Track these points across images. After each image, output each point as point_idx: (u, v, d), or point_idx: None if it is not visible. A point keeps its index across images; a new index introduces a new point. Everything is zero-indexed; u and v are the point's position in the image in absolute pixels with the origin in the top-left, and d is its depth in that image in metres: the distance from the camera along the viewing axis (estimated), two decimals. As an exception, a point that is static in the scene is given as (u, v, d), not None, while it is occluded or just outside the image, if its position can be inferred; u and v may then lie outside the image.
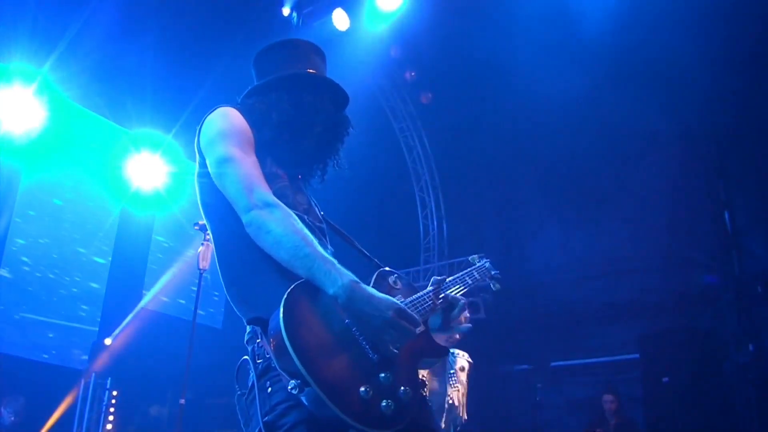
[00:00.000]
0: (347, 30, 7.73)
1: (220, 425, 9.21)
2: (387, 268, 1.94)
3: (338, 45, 7.80)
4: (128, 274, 8.94)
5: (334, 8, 7.64)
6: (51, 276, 8.15)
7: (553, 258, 8.69)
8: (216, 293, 10.07)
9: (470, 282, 2.15)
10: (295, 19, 7.50)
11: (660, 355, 6.79)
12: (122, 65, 7.94)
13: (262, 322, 1.66)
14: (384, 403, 1.53)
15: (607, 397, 7.00)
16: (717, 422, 6.10)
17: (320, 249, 1.67)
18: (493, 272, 2.27)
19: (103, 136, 8.78)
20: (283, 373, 1.53)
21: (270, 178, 1.84)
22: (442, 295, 1.95)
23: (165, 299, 9.31)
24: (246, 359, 1.72)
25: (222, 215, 1.84)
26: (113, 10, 7.33)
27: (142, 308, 8.89)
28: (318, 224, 1.96)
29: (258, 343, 1.68)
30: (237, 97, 2.08)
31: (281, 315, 1.53)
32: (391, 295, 1.76)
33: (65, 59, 7.26)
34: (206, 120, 1.93)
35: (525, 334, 8.60)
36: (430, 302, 1.89)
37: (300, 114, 1.97)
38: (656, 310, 7.73)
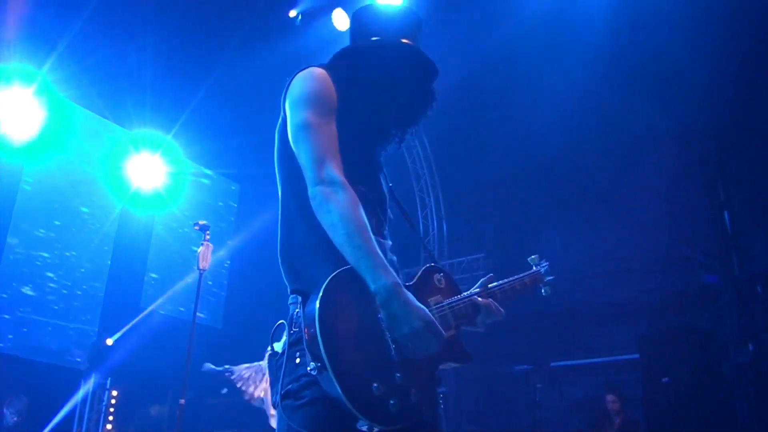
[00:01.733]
0: (347, 30, 7.73)
1: (220, 425, 9.21)
2: (434, 264, 1.98)
3: (338, 45, 7.79)
4: (128, 274, 8.94)
5: (334, 8, 7.63)
6: (51, 276, 8.14)
7: (553, 258, 8.68)
8: (215, 289, 10.07)
9: (519, 288, 2.21)
10: (299, 20, 7.49)
11: (660, 355, 6.79)
12: (122, 66, 7.94)
13: (303, 294, 1.70)
14: (392, 402, 1.57)
15: (610, 397, 7.00)
16: (717, 422, 6.10)
17: (373, 242, 1.68)
18: (547, 278, 2.35)
19: (103, 137, 8.78)
20: (308, 353, 1.58)
21: (347, 147, 1.84)
22: (482, 300, 1.98)
23: (165, 298, 9.31)
24: (283, 323, 1.77)
25: (293, 175, 1.86)
26: (113, 11, 7.33)
27: (141, 309, 8.89)
28: (381, 205, 1.96)
29: (297, 312, 1.72)
30: (330, 54, 2.06)
31: (318, 303, 1.57)
32: (433, 294, 1.84)
33: (65, 60, 7.26)
34: (296, 78, 1.93)
35: (525, 334, 8.59)
36: (464, 305, 1.93)
37: (389, 81, 1.98)
38: (656, 310, 7.73)
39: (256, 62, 7.89)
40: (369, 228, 1.70)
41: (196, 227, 5.22)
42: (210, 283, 9.66)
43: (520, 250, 9.12)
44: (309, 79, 1.91)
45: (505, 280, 2.17)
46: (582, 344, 8.39)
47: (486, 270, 8.89)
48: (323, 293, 1.59)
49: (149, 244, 9.34)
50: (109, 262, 8.79)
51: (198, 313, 5.13)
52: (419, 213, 10.80)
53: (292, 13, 7.42)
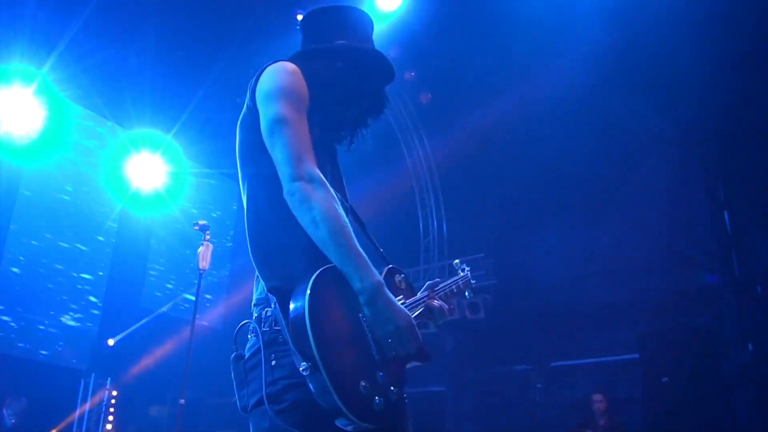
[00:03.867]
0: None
1: (220, 425, 9.21)
2: (393, 266, 1.98)
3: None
4: (128, 274, 8.94)
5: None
6: (51, 276, 8.15)
7: (552, 258, 8.69)
8: (210, 294, 10.07)
9: (455, 291, 2.23)
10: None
11: (660, 355, 6.79)
12: (122, 66, 7.95)
13: (280, 293, 1.67)
14: (376, 399, 1.58)
15: (596, 397, 6.99)
16: (717, 422, 6.10)
17: (356, 241, 1.68)
18: (473, 282, 2.35)
19: (103, 137, 8.79)
20: (296, 353, 1.55)
21: (316, 145, 1.83)
22: (437, 302, 2.04)
23: (165, 298, 9.31)
24: (247, 324, 1.75)
25: (263, 169, 1.83)
26: (113, 11, 7.33)
27: (141, 309, 8.89)
28: (346, 203, 1.98)
29: (266, 311, 1.70)
30: (292, 51, 2.07)
31: (307, 302, 1.55)
32: (396, 295, 1.82)
33: (65, 60, 7.26)
34: (270, 69, 1.91)
35: (525, 334, 8.59)
36: (422, 307, 1.96)
37: (356, 85, 1.99)
38: (656, 310, 7.73)
39: (256, 62, 7.86)
40: (350, 227, 1.69)
41: (196, 227, 5.22)
42: (210, 282, 9.66)
43: (520, 250, 9.13)
44: (283, 73, 1.89)
45: (447, 282, 2.21)
46: (582, 344, 8.39)
47: (486, 270, 8.90)
48: (310, 294, 1.57)
49: (149, 244, 9.34)
50: (110, 262, 8.79)
51: (198, 312, 5.14)
52: (419, 213, 10.80)
53: (300, 18, 7.42)
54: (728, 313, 7.01)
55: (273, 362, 1.64)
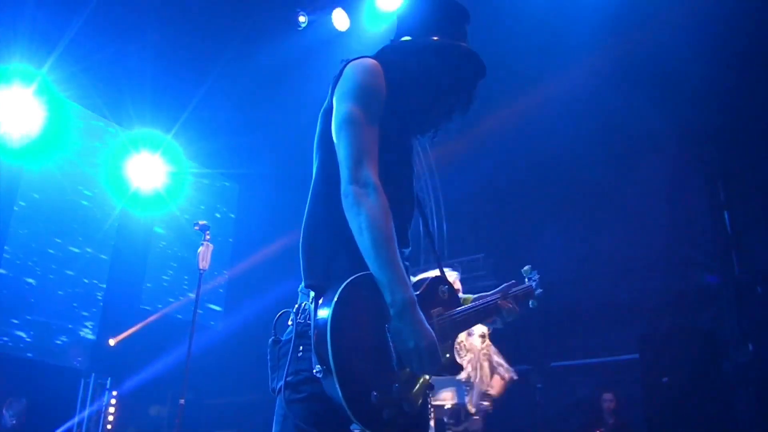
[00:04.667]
0: (347, 30, 7.73)
1: (220, 425, 9.21)
2: (441, 276, 2.00)
3: (338, 45, 7.79)
4: (128, 274, 8.94)
5: (333, 8, 7.63)
6: (51, 276, 8.14)
7: (552, 258, 8.68)
8: (210, 294, 10.06)
9: (520, 297, 2.36)
10: (305, 24, 7.49)
11: (660, 355, 6.78)
12: (122, 66, 7.95)
13: (317, 290, 1.70)
14: (386, 411, 1.59)
15: (607, 396, 7.02)
16: (717, 422, 6.10)
17: (397, 254, 1.68)
18: (537, 292, 2.46)
19: (103, 137, 8.78)
20: (314, 354, 1.59)
21: (385, 144, 1.83)
22: (508, 303, 2.24)
23: (165, 298, 9.31)
24: (287, 312, 1.79)
25: (327, 163, 1.85)
26: (113, 11, 7.33)
27: (141, 309, 8.89)
28: (407, 206, 1.98)
29: (305, 305, 1.73)
30: (388, 40, 2.03)
31: (331, 312, 1.58)
32: (435, 306, 1.89)
33: (65, 60, 7.26)
34: (350, 67, 1.90)
35: (525, 334, 8.58)
36: (464, 318, 2.01)
37: (444, 83, 1.98)
38: (656, 310, 7.72)
39: (256, 62, 7.89)
40: (395, 238, 1.69)
41: (196, 227, 5.23)
42: (209, 282, 9.66)
43: (520, 250, 9.12)
44: (363, 71, 1.87)
45: (517, 288, 2.35)
46: (582, 344, 8.38)
47: (486, 270, 8.90)
48: (337, 301, 1.59)
49: (149, 244, 9.34)
50: (109, 262, 8.79)
51: (198, 312, 5.13)
52: (419, 213, 10.78)
53: (302, 19, 7.42)
54: (728, 313, 7.01)
55: (300, 353, 1.68)
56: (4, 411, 6.91)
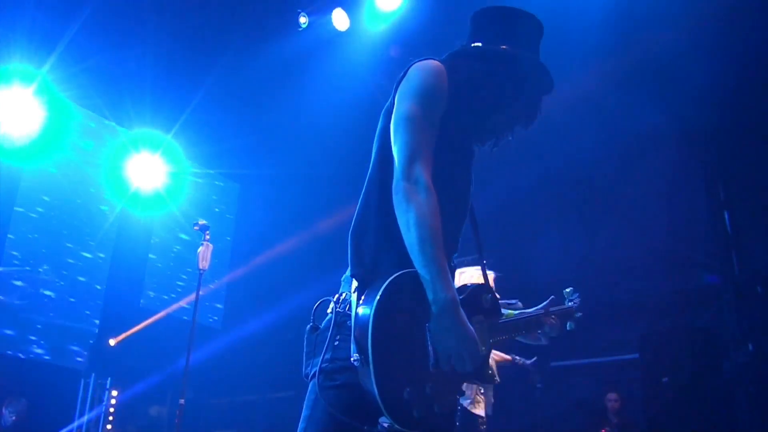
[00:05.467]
0: (347, 30, 7.73)
1: (220, 425, 9.21)
2: (485, 284, 2.02)
3: (338, 45, 7.79)
4: (128, 274, 8.94)
5: (333, 8, 7.63)
6: (50, 276, 8.14)
7: (552, 258, 8.69)
8: (211, 294, 10.06)
9: (560, 315, 2.45)
10: (305, 24, 7.49)
11: (660, 355, 6.79)
12: (122, 66, 7.94)
13: (361, 281, 1.72)
14: (417, 409, 1.61)
15: (611, 396, 7.02)
16: (717, 422, 6.10)
17: (442, 252, 1.69)
18: (577, 315, 2.56)
19: (103, 137, 8.78)
20: (354, 342, 1.61)
21: (448, 146, 1.86)
22: (551, 319, 2.36)
23: (165, 298, 9.31)
24: (327, 301, 1.81)
25: (384, 160, 1.87)
26: (113, 11, 7.32)
27: (141, 309, 8.89)
28: (462, 211, 2.05)
29: (346, 296, 1.76)
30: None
31: (375, 305, 1.60)
32: (477, 313, 1.88)
33: (65, 60, 7.26)
34: (415, 67, 1.92)
35: (525, 334, 8.57)
36: (505, 328, 2.08)
37: (510, 94, 2.00)
38: (656, 310, 7.73)
39: (257, 62, 7.89)
40: (441, 238, 1.70)
41: (196, 227, 5.23)
42: (210, 283, 9.66)
43: (520, 250, 9.12)
44: (428, 73, 1.89)
45: (558, 307, 2.43)
46: (582, 344, 8.38)
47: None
48: (381, 295, 1.61)
49: (149, 244, 9.34)
50: (109, 262, 8.79)
51: (198, 312, 5.13)
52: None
53: (303, 20, 7.42)
54: (728, 313, 7.01)
55: (337, 342, 1.70)
56: (3, 409, 6.91)
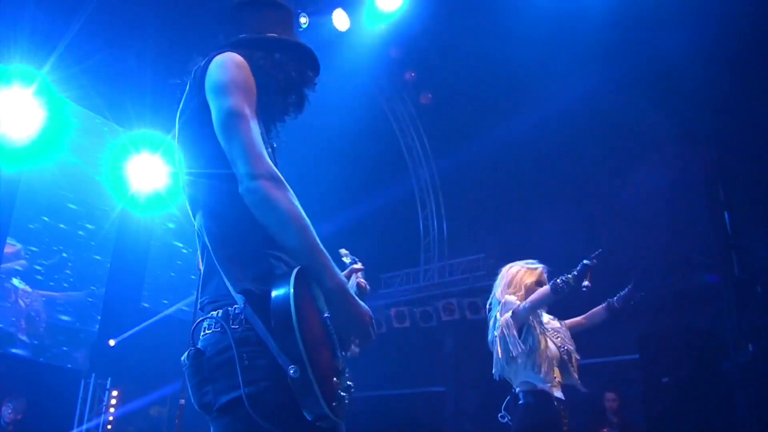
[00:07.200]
0: (347, 30, 7.74)
1: (220, 425, 9.16)
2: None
3: (338, 45, 7.80)
4: (128, 274, 8.94)
5: (334, 8, 7.64)
6: (50, 276, 8.15)
7: (553, 258, 8.68)
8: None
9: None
10: (306, 25, 7.50)
11: (660, 355, 6.79)
12: (122, 66, 7.94)
13: (252, 294, 1.61)
14: (341, 395, 1.60)
15: (610, 396, 7.02)
16: (717, 422, 6.10)
17: (318, 240, 1.65)
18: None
19: (103, 137, 8.79)
20: (282, 355, 1.50)
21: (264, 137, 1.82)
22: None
23: (165, 301, 9.31)
24: (211, 318, 1.65)
25: (215, 166, 1.78)
26: (113, 11, 7.33)
27: (142, 309, 8.89)
28: None
29: (234, 308, 1.62)
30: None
31: (292, 299, 1.51)
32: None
33: (65, 60, 7.26)
34: (219, 61, 1.87)
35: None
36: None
37: (298, 83, 2.00)
38: (656, 310, 7.73)
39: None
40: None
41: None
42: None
43: (520, 250, 9.12)
44: (236, 65, 1.84)
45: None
46: (582, 344, 8.37)
47: (486, 270, 8.90)
48: (294, 292, 1.52)
49: (149, 245, 9.34)
50: (110, 263, 8.79)
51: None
52: (419, 213, 10.80)
53: (303, 20, 7.43)
54: (728, 313, 7.00)
55: (246, 362, 1.56)
56: (3, 408, 6.91)
